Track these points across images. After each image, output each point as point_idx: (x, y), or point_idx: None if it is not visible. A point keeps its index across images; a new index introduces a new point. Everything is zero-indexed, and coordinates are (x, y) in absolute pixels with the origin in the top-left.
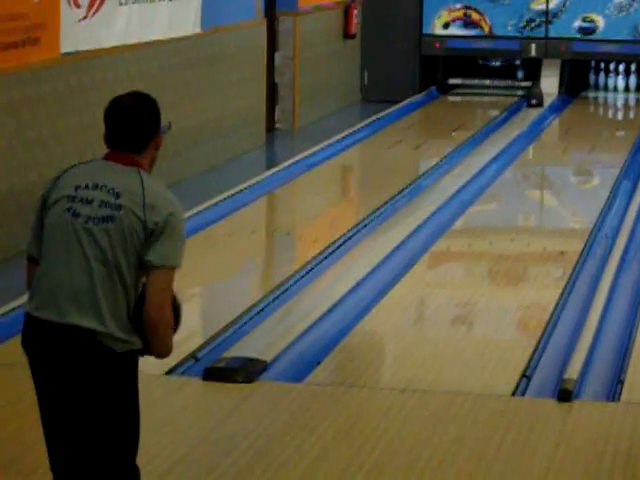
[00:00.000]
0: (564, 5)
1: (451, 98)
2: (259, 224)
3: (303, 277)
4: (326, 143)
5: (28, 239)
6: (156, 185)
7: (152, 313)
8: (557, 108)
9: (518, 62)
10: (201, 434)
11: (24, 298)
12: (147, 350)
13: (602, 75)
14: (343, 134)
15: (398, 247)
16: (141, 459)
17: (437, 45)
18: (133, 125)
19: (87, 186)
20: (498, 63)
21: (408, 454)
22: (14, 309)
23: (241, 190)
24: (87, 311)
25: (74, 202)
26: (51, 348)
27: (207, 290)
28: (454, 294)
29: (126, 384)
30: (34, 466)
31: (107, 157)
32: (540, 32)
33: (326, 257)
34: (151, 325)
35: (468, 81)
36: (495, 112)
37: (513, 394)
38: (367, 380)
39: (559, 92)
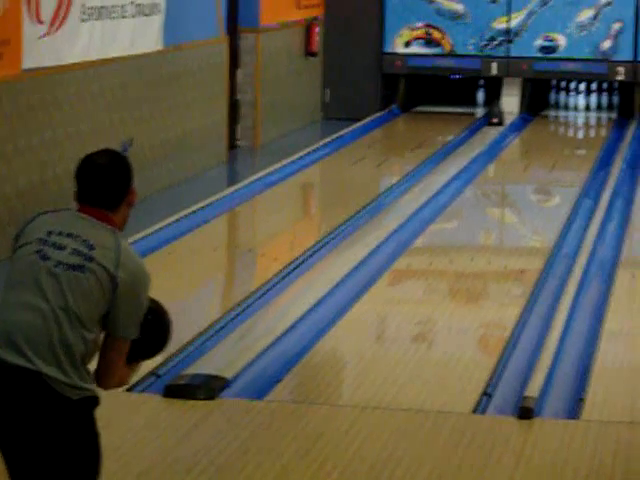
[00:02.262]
0: (525, 24)
1: (412, 116)
2: (221, 241)
3: (264, 294)
4: (288, 161)
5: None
6: (131, 250)
7: (103, 378)
8: (518, 127)
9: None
10: (161, 451)
11: None
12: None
13: (563, 94)
14: (305, 152)
15: (359, 265)
16: (101, 476)
17: (398, 63)
18: (107, 183)
19: (60, 233)
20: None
21: (369, 472)
22: None
23: (203, 207)
24: (43, 356)
25: (45, 245)
26: (3, 390)
27: (168, 307)
28: (414, 312)
29: (82, 430)
30: None
31: (81, 210)
32: (501, 51)
33: (287, 275)
34: (99, 384)
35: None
36: (456, 131)
37: (474, 412)
38: (328, 398)
39: (520, 111)
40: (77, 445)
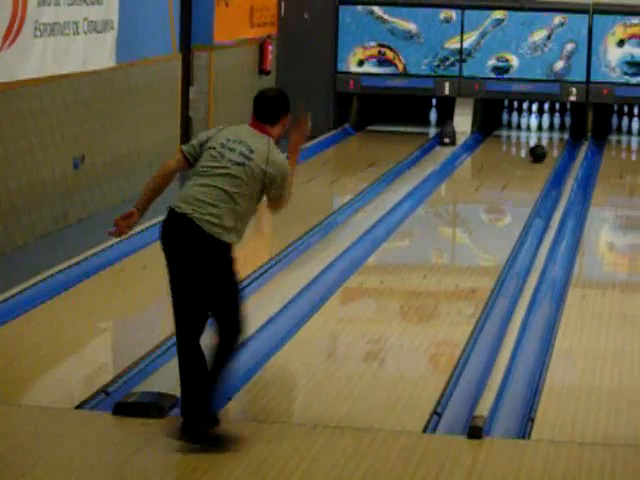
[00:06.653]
0: (478, 44)
1: (365, 135)
2: None
3: None
4: None
5: (190, 143)
6: (277, 152)
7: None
8: (470, 147)
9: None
10: (111, 468)
11: None
12: None
13: (515, 114)
14: None
15: (311, 283)
16: None
17: (352, 83)
18: (271, 105)
19: (234, 140)
20: None
21: None
22: None
23: (154, 224)
24: (205, 212)
25: (223, 148)
26: (183, 233)
27: (119, 324)
28: (366, 330)
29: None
30: None
31: (251, 124)
32: (454, 71)
33: None
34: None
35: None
36: (408, 150)
37: (424, 431)
38: (278, 416)
39: (472, 131)
40: (220, 272)
